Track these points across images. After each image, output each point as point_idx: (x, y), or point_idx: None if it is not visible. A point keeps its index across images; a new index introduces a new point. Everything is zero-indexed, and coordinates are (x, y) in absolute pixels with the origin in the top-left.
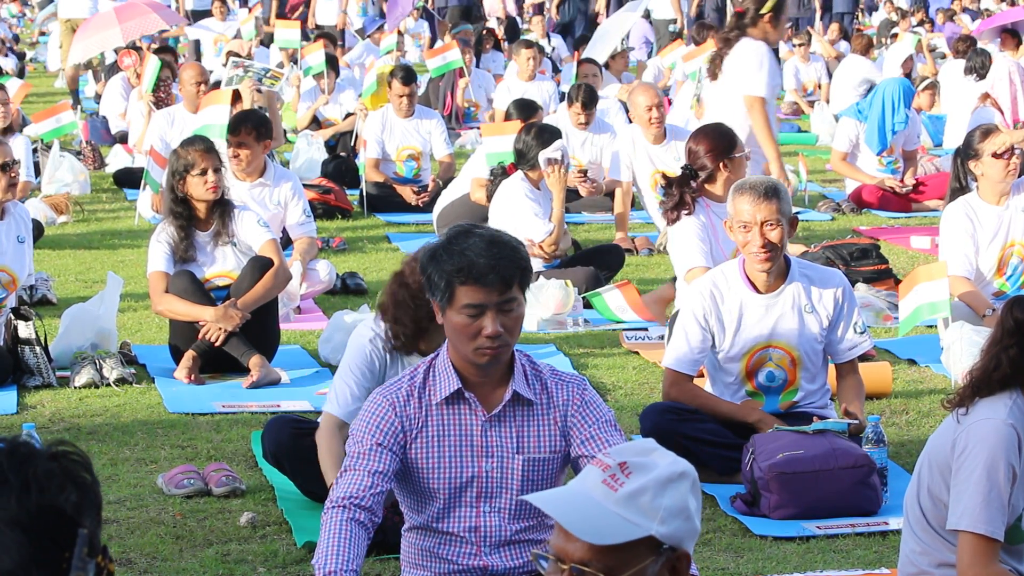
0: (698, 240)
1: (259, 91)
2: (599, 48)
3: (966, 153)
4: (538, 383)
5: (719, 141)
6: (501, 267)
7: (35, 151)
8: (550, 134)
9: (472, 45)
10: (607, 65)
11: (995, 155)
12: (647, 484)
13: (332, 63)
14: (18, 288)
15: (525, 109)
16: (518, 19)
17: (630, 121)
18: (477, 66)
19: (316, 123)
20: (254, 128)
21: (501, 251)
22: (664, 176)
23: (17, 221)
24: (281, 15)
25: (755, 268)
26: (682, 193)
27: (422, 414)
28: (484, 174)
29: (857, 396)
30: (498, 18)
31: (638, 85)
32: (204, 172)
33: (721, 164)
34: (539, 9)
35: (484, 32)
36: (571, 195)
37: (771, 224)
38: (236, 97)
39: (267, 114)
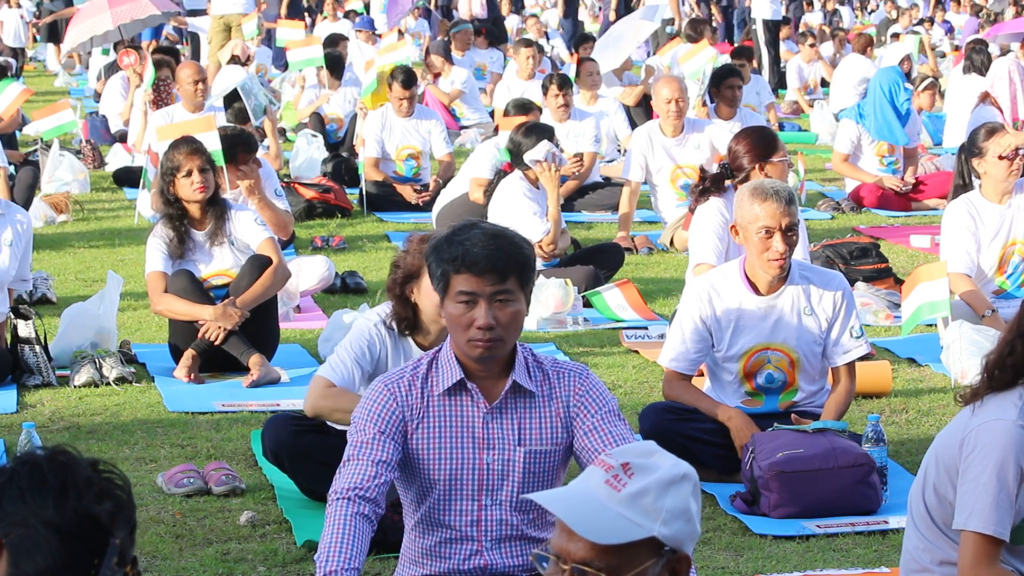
0: (715, 238)
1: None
2: (610, 53)
3: (970, 151)
4: (540, 373)
5: (760, 143)
6: (496, 257)
7: (35, 151)
8: (539, 133)
9: (472, 44)
10: None
11: (1000, 156)
12: (650, 485)
13: (337, 63)
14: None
15: (522, 108)
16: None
17: (632, 124)
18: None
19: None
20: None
21: (500, 244)
22: (701, 170)
23: (5, 224)
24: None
25: (770, 273)
26: (713, 190)
27: (423, 404)
28: (483, 174)
29: (836, 407)
30: (472, 20)
31: (664, 76)
32: (189, 174)
33: (758, 166)
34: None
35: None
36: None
37: (792, 231)
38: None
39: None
